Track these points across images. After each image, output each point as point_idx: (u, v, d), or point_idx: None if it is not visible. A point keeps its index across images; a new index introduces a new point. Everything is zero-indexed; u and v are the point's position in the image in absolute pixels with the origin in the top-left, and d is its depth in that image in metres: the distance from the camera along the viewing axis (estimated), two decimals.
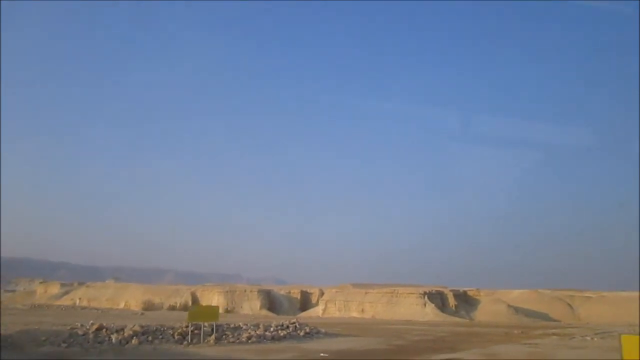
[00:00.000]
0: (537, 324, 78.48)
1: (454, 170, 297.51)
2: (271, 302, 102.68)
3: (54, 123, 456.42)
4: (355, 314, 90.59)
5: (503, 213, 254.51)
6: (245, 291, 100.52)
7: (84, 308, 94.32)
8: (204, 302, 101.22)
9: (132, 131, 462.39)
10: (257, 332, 32.97)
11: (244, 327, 33.88)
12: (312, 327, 38.22)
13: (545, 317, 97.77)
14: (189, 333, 29.43)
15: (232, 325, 33.64)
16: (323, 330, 38.68)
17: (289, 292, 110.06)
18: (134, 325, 29.64)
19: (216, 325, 31.83)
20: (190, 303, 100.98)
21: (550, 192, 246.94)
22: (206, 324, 30.73)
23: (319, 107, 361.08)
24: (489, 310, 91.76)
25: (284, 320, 42.02)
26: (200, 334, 29.72)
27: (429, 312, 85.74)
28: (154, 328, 29.90)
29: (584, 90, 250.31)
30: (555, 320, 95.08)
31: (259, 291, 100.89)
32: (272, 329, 34.45)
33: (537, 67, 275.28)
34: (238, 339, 31.35)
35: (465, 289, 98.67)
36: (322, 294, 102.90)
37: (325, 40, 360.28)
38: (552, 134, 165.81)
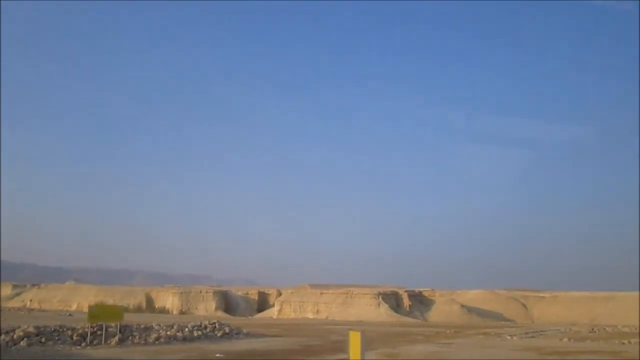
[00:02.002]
0: (485, 323, 79.35)
1: (448, 169, 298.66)
2: (228, 303, 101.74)
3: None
4: (310, 315, 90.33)
5: (502, 210, 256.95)
6: (200, 292, 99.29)
7: (31, 310, 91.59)
8: (158, 303, 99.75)
9: (117, 132, 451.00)
10: (169, 332, 32.21)
11: (156, 327, 33.06)
12: (233, 328, 37.61)
13: (499, 316, 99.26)
14: (89, 334, 28.49)
15: (142, 326, 32.77)
16: (245, 331, 38.13)
17: (247, 293, 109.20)
18: (27, 326, 28.57)
19: (124, 326, 30.98)
20: (144, 304, 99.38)
21: (546, 190, 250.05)
22: (113, 324, 29.92)
23: (319, 107, 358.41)
24: (442, 310, 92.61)
25: (205, 320, 41.24)
26: (102, 335, 28.84)
27: (382, 313, 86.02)
28: (52, 329, 28.87)
29: (583, 89, 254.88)
30: (508, 320, 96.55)
31: (215, 292, 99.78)
32: (186, 330, 33.69)
33: (536, 66, 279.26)
34: (145, 340, 30.52)
35: (421, 289, 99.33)
36: (279, 294, 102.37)
37: (329, 40, 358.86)
38: (551, 132, 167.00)
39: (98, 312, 29.36)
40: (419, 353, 27.48)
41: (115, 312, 30.34)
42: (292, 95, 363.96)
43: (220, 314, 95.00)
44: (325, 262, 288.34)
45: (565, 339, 36.86)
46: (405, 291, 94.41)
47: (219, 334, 35.26)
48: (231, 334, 36.19)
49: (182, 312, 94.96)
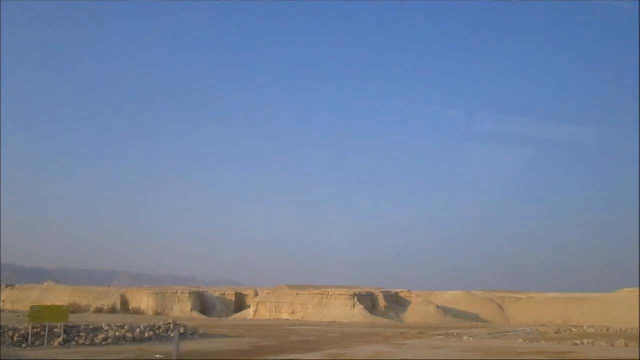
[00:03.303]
0: (458, 324, 79.59)
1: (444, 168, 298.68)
2: (204, 304, 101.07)
3: None
4: (286, 316, 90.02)
5: (501, 210, 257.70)
6: (176, 293, 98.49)
7: (2, 311, 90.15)
8: (133, 304, 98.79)
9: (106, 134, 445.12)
10: (118, 333, 31.77)
11: (106, 328, 32.61)
12: (189, 328, 37.26)
13: (475, 317, 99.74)
14: (30, 335, 27.98)
15: (91, 327, 32.31)
16: (201, 332, 37.79)
17: (224, 294, 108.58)
18: None
19: (71, 327, 30.51)
20: (119, 306, 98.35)
21: (539, 191, 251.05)
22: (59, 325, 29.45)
23: (319, 106, 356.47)
24: (418, 311, 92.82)
25: (159, 321, 40.79)
26: (45, 336, 28.34)
27: (357, 314, 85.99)
28: None
29: (583, 87, 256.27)
30: (484, 321, 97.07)
31: (191, 293, 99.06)
32: (137, 331, 33.26)
33: (536, 65, 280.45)
34: (92, 340, 30.06)
35: (398, 290, 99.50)
36: (256, 295, 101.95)
37: (328, 38, 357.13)
38: (551, 130, 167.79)
39: (40, 312, 28.82)
40: (365, 353, 27.37)
41: (60, 312, 29.83)
42: (291, 94, 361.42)
43: (196, 314, 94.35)
44: (311, 263, 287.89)
45: (521, 340, 37.01)
46: (382, 292, 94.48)
47: (172, 335, 34.82)
48: (185, 335, 35.82)
49: (157, 313, 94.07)
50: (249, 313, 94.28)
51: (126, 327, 33.44)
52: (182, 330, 36.07)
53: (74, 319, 71.36)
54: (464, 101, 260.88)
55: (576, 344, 34.55)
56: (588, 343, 35.13)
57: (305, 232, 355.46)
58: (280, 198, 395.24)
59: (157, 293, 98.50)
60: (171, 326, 36.34)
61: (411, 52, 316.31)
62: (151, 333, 33.69)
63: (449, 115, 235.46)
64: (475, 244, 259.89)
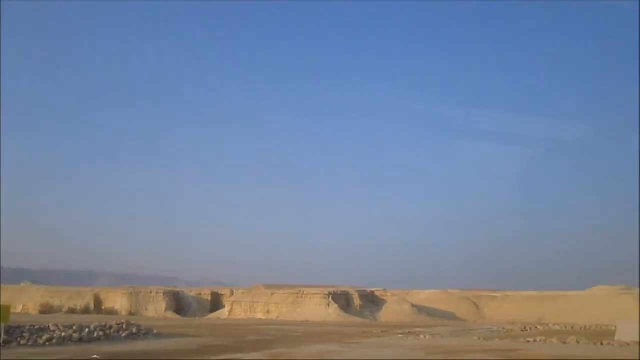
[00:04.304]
0: (431, 322, 79.96)
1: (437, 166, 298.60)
2: (179, 304, 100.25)
3: None
4: (260, 315, 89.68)
5: (503, 209, 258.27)
6: (150, 293, 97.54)
7: None
8: (106, 304, 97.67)
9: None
10: (64, 334, 31.16)
11: (52, 328, 32.00)
12: (143, 328, 36.72)
13: (451, 316, 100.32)
14: None
15: (36, 327, 31.67)
16: (155, 331, 37.32)
17: (200, 294, 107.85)
18: None
19: (14, 327, 29.86)
20: (92, 306, 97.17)
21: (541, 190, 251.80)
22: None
23: (318, 105, 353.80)
24: (393, 310, 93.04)
25: (113, 320, 40.21)
26: None
27: (332, 313, 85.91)
28: None
29: (583, 86, 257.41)
30: (460, 319, 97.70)
31: (165, 293, 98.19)
32: (86, 331, 32.68)
33: (536, 64, 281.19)
34: (35, 341, 29.42)
35: (374, 289, 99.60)
36: (232, 295, 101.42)
37: (326, 37, 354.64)
38: (550, 130, 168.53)
39: None
40: (310, 353, 27.19)
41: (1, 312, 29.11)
42: (288, 93, 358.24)
43: (170, 314, 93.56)
44: (293, 263, 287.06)
45: (476, 338, 37.12)
46: (357, 291, 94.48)
47: (123, 335, 34.32)
48: (138, 334, 35.33)
49: (131, 314, 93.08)
50: (223, 313, 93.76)
51: (74, 327, 32.83)
52: (134, 330, 35.60)
53: (43, 319, 70.44)
54: (463, 100, 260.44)
55: (528, 342, 34.72)
56: (541, 341, 35.32)
57: (292, 232, 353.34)
58: (268, 197, 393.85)
59: (131, 293, 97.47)
60: (123, 326, 35.80)
61: (411, 51, 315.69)
62: (101, 333, 33.10)
63: (448, 114, 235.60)
64: (458, 242, 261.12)
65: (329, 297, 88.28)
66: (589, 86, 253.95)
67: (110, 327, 34.83)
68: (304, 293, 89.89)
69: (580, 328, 58.47)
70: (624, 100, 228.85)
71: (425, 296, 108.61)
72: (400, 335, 41.14)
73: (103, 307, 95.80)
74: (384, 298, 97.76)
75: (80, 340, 31.31)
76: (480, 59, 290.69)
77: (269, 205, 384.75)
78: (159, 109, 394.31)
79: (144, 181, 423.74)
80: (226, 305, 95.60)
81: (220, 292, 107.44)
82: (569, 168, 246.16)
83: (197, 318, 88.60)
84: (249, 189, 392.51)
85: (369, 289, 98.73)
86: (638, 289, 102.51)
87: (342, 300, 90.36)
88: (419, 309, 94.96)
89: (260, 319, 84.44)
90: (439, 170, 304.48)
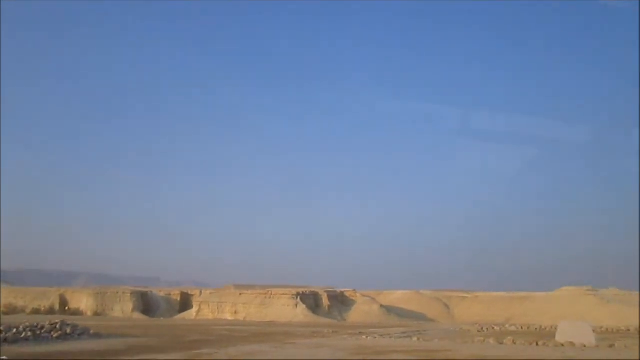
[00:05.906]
0: (398, 323, 79.99)
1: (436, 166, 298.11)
2: (147, 304, 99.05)
3: None
4: (228, 316, 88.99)
5: (500, 209, 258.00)
6: (117, 293, 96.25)
7: None
8: (72, 304, 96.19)
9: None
10: None
11: None
12: (78, 328, 36.00)
13: (421, 317, 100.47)
14: None
15: None
16: (91, 331, 36.64)
17: (169, 294, 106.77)
18: None
19: None
20: (57, 306, 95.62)
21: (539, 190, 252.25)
22: None
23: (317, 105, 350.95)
24: (362, 311, 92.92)
25: (46, 320, 39.31)
26: None
27: (299, 313, 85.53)
28: None
29: (583, 87, 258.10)
30: (429, 320, 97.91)
31: (133, 293, 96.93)
32: (13, 331, 31.89)
33: (535, 64, 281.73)
34: None
35: (344, 290, 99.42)
36: (201, 295, 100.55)
37: (325, 37, 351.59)
38: (550, 129, 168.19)
39: None
40: (233, 354, 26.79)
41: None
42: (286, 93, 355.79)
43: (137, 315, 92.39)
44: (275, 263, 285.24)
45: (415, 339, 37.02)
46: (326, 292, 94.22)
47: (55, 335, 33.58)
48: (72, 335, 34.64)
49: (96, 314, 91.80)
50: (191, 314, 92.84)
51: (1, 328, 32.01)
52: (68, 331, 34.88)
53: (4, 320, 68.95)
54: (461, 100, 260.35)
55: (465, 342, 34.71)
56: (478, 341, 35.34)
57: (275, 232, 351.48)
58: (255, 198, 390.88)
59: (97, 293, 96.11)
60: (57, 326, 35.04)
61: (410, 51, 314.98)
62: (30, 334, 32.32)
63: (445, 114, 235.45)
64: (432, 242, 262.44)
65: (297, 298, 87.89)
66: (588, 86, 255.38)
67: (42, 328, 34.05)
68: (273, 294, 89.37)
69: (536, 328, 58.88)
70: (624, 100, 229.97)
71: (397, 297, 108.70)
72: (345, 336, 40.90)
73: (67, 308, 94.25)
74: (354, 299, 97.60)
75: (5, 341, 30.51)
76: (479, 59, 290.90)
77: (264, 205, 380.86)
78: (155, 109, 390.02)
79: (131, 181, 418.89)
80: (194, 306, 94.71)
81: (190, 292, 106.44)
82: (570, 168, 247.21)
83: (162, 319, 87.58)
84: (240, 189, 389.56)
85: (339, 290, 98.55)
86: (609, 290, 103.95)
87: (311, 300, 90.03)
88: (389, 309, 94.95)
89: (227, 319, 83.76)
90: (439, 171, 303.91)
